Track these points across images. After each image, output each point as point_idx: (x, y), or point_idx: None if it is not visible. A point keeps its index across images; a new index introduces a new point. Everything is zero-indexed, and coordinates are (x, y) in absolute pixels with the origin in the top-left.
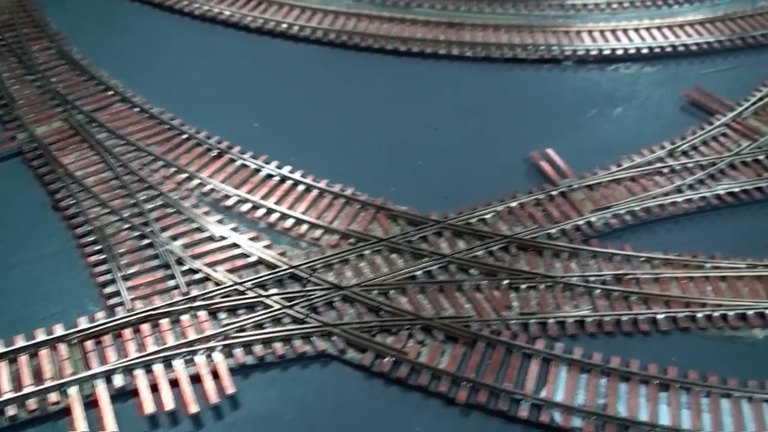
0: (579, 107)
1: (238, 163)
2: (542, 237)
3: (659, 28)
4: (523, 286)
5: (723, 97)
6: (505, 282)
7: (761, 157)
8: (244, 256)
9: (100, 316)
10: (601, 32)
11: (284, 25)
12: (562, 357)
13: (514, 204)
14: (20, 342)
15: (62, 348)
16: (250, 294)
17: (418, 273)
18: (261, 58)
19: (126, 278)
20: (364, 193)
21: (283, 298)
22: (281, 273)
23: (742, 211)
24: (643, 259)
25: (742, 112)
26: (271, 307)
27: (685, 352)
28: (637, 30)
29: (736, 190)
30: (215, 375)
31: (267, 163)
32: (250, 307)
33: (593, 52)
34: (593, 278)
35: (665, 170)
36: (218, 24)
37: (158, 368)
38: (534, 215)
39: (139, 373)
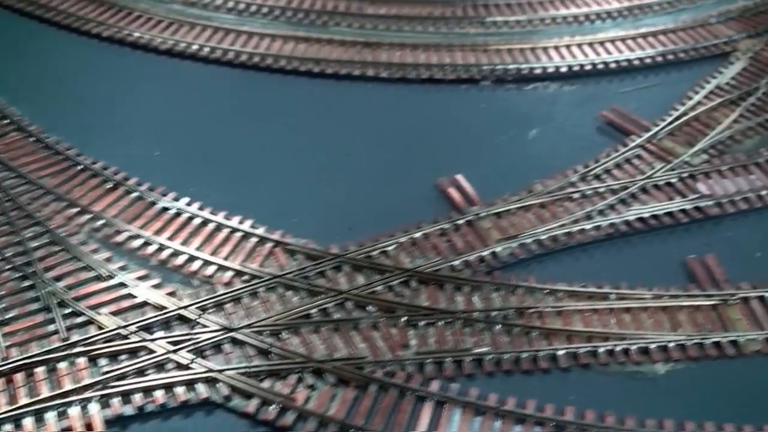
0: (494, 129)
1: (134, 195)
2: (445, 269)
3: (579, 45)
4: (422, 323)
5: (639, 117)
6: (404, 319)
7: (674, 180)
8: (131, 296)
9: None
10: (521, 50)
11: (195, 47)
12: (456, 399)
13: (417, 235)
14: None
15: None
16: (134, 338)
17: (313, 311)
18: (169, 82)
19: (3, 323)
20: (264, 226)
21: (168, 342)
22: (168, 314)
23: (651, 237)
24: (546, 291)
25: (658, 133)
26: (155, 352)
27: (585, 390)
28: (557, 48)
29: (646, 215)
30: (89, 428)
31: (164, 194)
32: (133, 353)
33: (511, 71)
34: (495, 313)
35: (576, 195)
36: (126, 46)
37: (28, 422)
38: (438, 246)
39: (8, 430)
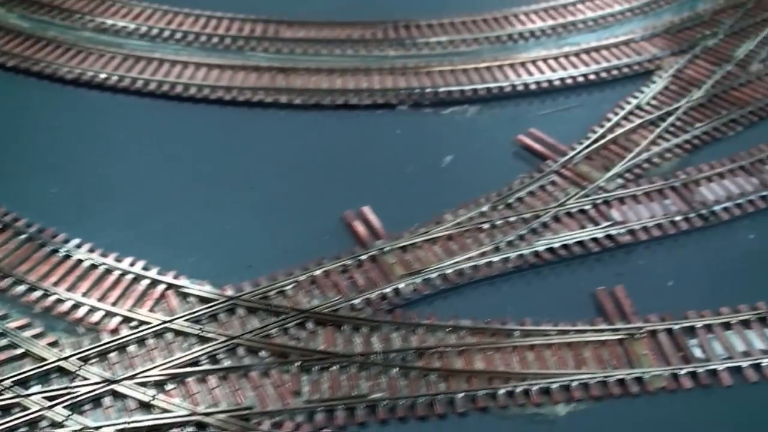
0: (408, 156)
1: (22, 237)
2: (345, 309)
3: (500, 67)
4: (316, 368)
5: (557, 141)
6: (297, 364)
7: (587, 207)
8: (11, 347)
9: None
10: (440, 73)
11: (102, 76)
12: None
13: (318, 272)
14: None
15: None
16: (8, 394)
17: (203, 358)
18: (73, 114)
19: None
20: (157, 267)
21: (44, 397)
22: (47, 367)
23: (562, 268)
24: (449, 329)
25: (574, 157)
26: (29, 408)
27: None
28: (477, 70)
29: (556, 245)
30: None
31: (54, 236)
32: (6, 410)
33: (429, 95)
34: (393, 354)
35: (486, 226)
36: (32, 76)
37: None
38: (338, 284)
39: None
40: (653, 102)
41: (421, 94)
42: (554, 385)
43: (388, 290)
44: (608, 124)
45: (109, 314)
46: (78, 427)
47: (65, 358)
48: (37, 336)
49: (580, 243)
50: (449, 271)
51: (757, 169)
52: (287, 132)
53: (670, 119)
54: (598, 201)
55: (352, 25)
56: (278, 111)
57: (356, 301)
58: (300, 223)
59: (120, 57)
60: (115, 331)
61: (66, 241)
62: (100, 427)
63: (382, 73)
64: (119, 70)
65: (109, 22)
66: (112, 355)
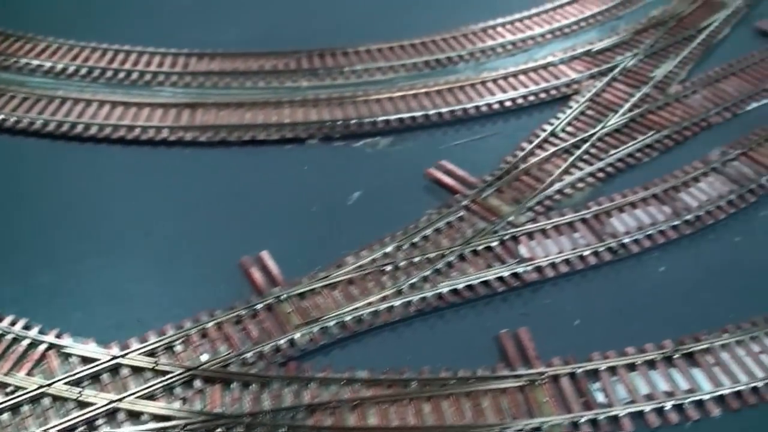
0: (314, 194)
1: None
2: (236, 363)
3: (415, 95)
4: None
5: (467, 174)
6: (180, 428)
7: (495, 244)
8: None
9: None
10: (354, 103)
11: (0, 117)
12: None
13: (210, 325)
14: None
15: None
16: None
17: (81, 426)
18: None
19: None
20: (39, 325)
21: None
22: None
23: (466, 310)
24: (343, 382)
25: (484, 190)
26: None
27: None
28: (391, 99)
29: (461, 286)
30: None
31: None
32: None
33: (339, 128)
34: (283, 413)
35: (389, 268)
36: None
37: None
38: (231, 337)
39: None
40: (569, 129)
41: (332, 126)
42: None
43: (282, 342)
44: (521, 154)
45: None
46: None
47: None
48: None
49: (486, 283)
50: (348, 318)
51: (669, 197)
52: (190, 171)
53: (585, 146)
54: (506, 237)
55: (266, 55)
56: (183, 149)
57: (248, 355)
58: (196, 271)
59: (20, 96)
60: None
61: None
62: None
63: (294, 106)
64: (18, 110)
65: (12, 59)
66: None
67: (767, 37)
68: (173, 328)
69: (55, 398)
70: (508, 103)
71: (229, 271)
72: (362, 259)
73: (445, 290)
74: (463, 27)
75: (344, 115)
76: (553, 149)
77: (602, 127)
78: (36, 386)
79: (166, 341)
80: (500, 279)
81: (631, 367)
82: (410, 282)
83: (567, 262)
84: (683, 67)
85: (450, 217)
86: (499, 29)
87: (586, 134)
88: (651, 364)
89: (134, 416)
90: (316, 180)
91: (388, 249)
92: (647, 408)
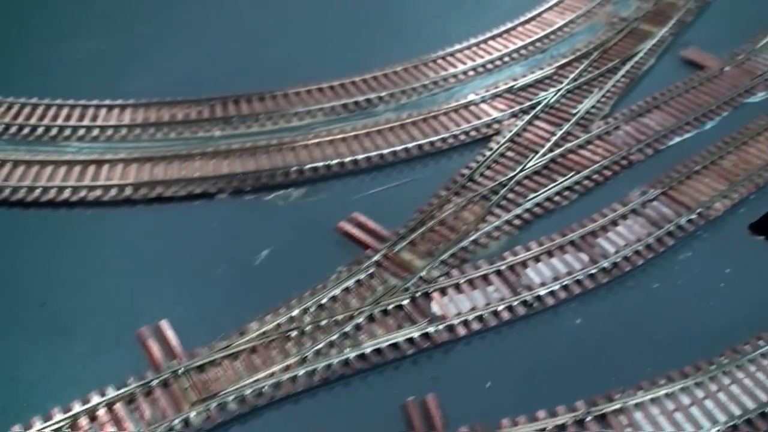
0: (220, 254)
1: None
2: None
3: (331, 141)
4: None
5: (380, 225)
6: None
7: (406, 302)
8: None
9: None
10: (267, 152)
11: None
12: None
13: (101, 406)
14: None
15: None
16: None
17: None
18: None
19: None
20: None
21: None
22: None
23: (373, 377)
24: None
25: (397, 243)
26: None
27: None
28: (306, 146)
29: (369, 350)
30: None
31: None
32: None
33: (251, 180)
34: None
35: (294, 333)
36: None
37: None
38: (120, 420)
39: None
40: (487, 173)
41: (242, 179)
42: None
43: (177, 422)
44: (437, 202)
45: None
46: None
47: None
48: None
49: (395, 345)
50: (248, 392)
51: (587, 244)
52: (91, 234)
53: (503, 192)
54: (418, 294)
55: (180, 104)
56: (85, 210)
57: None
58: (92, 344)
59: None
60: None
61: None
62: None
63: (204, 158)
64: None
65: None
66: None
67: (693, 66)
68: (61, 412)
69: None
70: (427, 147)
71: (127, 344)
72: (267, 325)
73: (352, 356)
74: (385, 67)
75: (256, 166)
76: (470, 195)
77: (521, 170)
78: None
79: (53, 428)
80: (410, 341)
81: None
82: (316, 348)
83: (480, 319)
84: (607, 102)
85: (360, 275)
86: (421, 68)
87: (505, 178)
88: (562, 428)
89: None
90: (224, 238)
91: (295, 312)
92: None
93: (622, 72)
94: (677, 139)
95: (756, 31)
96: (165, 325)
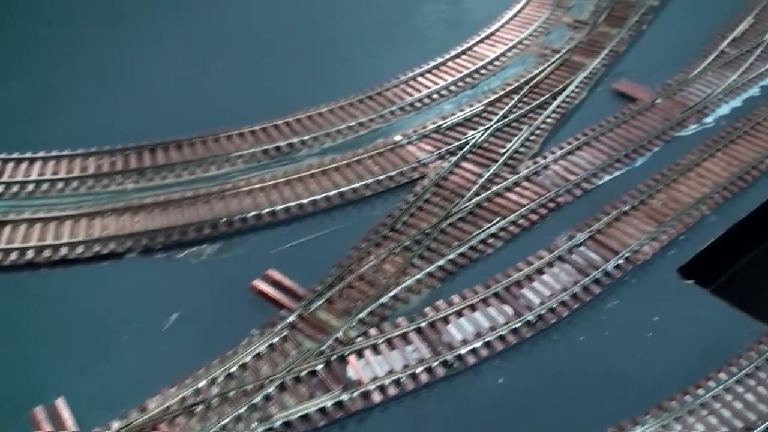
0: (127, 319)
1: None
2: None
3: (249, 191)
4: None
5: (296, 283)
6: None
7: (320, 367)
8: None
9: None
10: (179, 206)
11: None
12: None
13: None
14: None
15: None
16: None
17: None
18: None
19: None
20: None
21: None
22: None
23: None
24: None
25: (313, 302)
26: None
27: None
28: (222, 197)
29: (277, 424)
30: None
31: None
32: None
33: (161, 237)
34: None
35: (200, 408)
36: None
37: None
38: None
39: None
40: (411, 220)
41: (152, 237)
42: None
43: None
44: (357, 255)
45: None
46: None
47: None
48: None
49: (306, 417)
50: None
51: (512, 295)
52: None
53: (426, 241)
54: (333, 357)
55: (93, 155)
56: None
57: None
58: None
59: None
60: None
61: None
62: None
63: (115, 214)
64: None
65: None
66: None
67: (625, 99)
68: None
69: None
70: (349, 195)
71: (20, 426)
72: (170, 399)
73: (259, 431)
74: (310, 108)
75: (168, 221)
76: (392, 246)
77: (446, 217)
78: None
79: None
80: (322, 411)
81: None
82: (221, 424)
83: (397, 383)
84: (536, 140)
85: (273, 338)
86: (347, 108)
87: (429, 226)
88: None
89: None
90: (132, 302)
91: (201, 383)
92: None
93: (552, 107)
94: (607, 178)
95: (689, 60)
96: (61, 404)
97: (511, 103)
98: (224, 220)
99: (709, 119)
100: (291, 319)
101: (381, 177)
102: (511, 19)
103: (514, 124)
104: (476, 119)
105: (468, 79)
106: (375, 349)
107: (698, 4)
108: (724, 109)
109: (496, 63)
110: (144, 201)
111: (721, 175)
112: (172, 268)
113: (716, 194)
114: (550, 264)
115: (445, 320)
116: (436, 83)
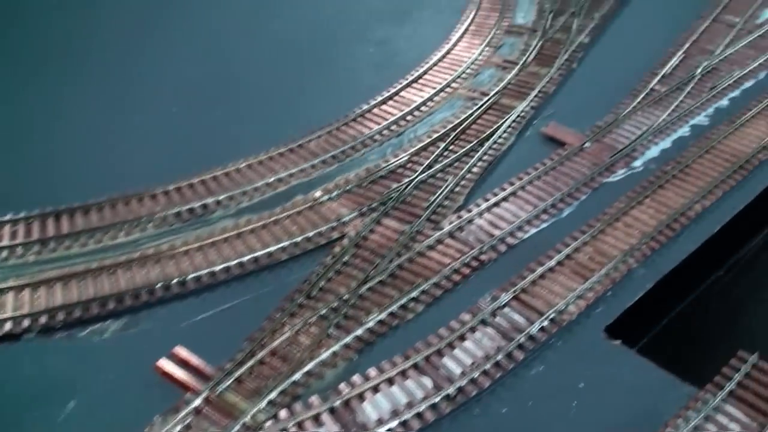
0: (19, 409)
1: None
2: None
3: (158, 260)
4: None
5: (204, 361)
6: None
7: None
8: None
9: None
10: (79, 280)
11: None
12: None
13: None
14: None
15: None
16: None
17: None
18: None
19: None
20: None
21: None
22: None
23: None
24: None
25: (221, 382)
26: None
27: None
28: (128, 268)
29: None
30: None
31: None
32: None
33: (60, 316)
34: None
35: None
36: None
37: None
38: None
39: None
40: (328, 286)
41: (52, 315)
42: None
43: None
44: (270, 326)
45: None
46: None
47: None
48: None
49: None
50: None
51: (431, 366)
52: None
53: (343, 309)
54: None
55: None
56: None
57: None
58: None
59: None
60: None
61: None
62: None
63: (12, 292)
64: None
65: None
66: None
67: (554, 143)
68: None
69: None
70: (264, 260)
71: None
72: None
73: None
74: (228, 164)
75: (71, 297)
76: (307, 315)
77: (364, 281)
78: None
79: None
80: None
81: None
82: None
83: None
84: (461, 192)
85: (175, 428)
86: (266, 162)
87: (347, 291)
88: None
89: None
90: (27, 389)
91: None
92: None
93: (478, 155)
94: (533, 231)
95: (619, 99)
96: None
97: (437, 151)
98: (130, 293)
99: (637, 162)
100: (196, 403)
101: (298, 239)
102: (440, 60)
103: (439, 175)
104: (400, 170)
105: (394, 127)
106: None
107: (628, 39)
108: (654, 152)
109: (423, 108)
110: (46, 275)
111: (649, 223)
112: (73, 349)
113: (644, 245)
114: (472, 329)
115: (361, 397)
116: (361, 132)
